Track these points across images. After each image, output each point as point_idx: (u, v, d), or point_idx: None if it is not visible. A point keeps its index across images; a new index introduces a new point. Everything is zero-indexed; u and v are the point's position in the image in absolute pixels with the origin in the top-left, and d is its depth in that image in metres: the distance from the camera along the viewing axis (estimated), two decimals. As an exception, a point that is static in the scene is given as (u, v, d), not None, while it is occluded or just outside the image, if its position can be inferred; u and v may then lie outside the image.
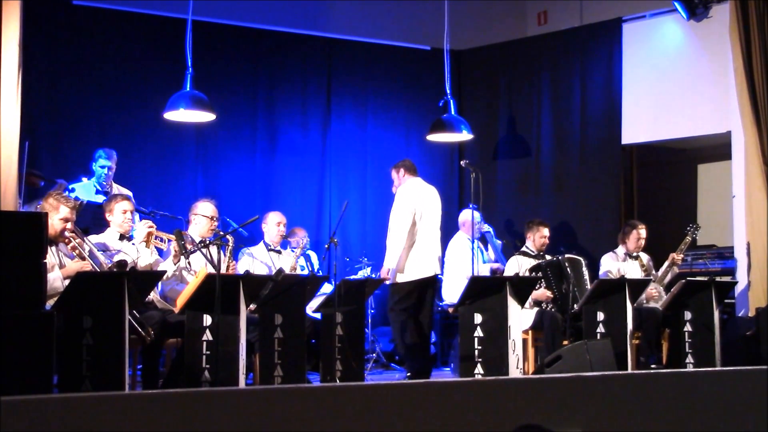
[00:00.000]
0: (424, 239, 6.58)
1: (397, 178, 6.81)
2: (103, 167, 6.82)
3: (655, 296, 6.83)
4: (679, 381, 3.12)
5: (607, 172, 8.80)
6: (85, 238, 5.10)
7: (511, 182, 9.44)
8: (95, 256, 4.98)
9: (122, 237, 5.46)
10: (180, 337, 5.15)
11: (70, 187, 6.79)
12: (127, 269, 4.83)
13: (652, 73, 8.55)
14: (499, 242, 8.17)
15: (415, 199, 6.61)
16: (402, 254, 6.51)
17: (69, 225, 4.95)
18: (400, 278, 6.53)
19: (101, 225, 5.77)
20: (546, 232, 7.01)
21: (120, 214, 5.49)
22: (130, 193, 6.92)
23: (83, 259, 4.90)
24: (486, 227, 8.02)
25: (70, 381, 4.24)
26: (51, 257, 4.80)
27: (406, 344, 6.55)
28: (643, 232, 7.06)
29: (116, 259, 4.96)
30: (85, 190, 6.77)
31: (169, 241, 5.56)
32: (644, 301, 6.80)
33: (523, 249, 7.07)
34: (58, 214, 4.88)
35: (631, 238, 7.04)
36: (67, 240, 4.91)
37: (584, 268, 6.85)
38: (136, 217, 6.45)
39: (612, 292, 6.19)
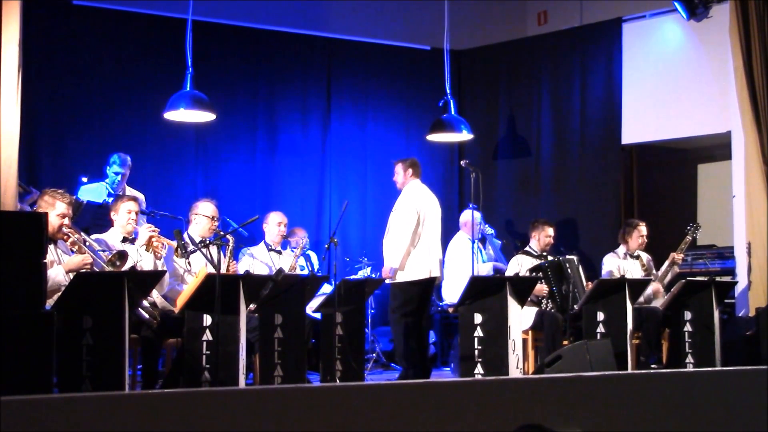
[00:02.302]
0: (426, 241, 6.56)
1: (402, 174, 6.73)
2: (116, 174, 6.86)
3: (660, 292, 6.85)
4: (679, 381, 3.12)
5: (607, 172, 8.80)
6: (83, 234, 5.10)
7: (511, 182, 9.44)
8: (95, 252, 4.98)
9: (125, 239, 5.46)
10: (180, 337, 5.15)
11: (81, 189, 6.80)
12: (128, 267, 4.84)
13: (652, 73, 8.55)
14: (498, 242, 8.17)
15: (420, 201, 6.59)
16: (405, 254, 6.49)
17: (66, 221, 4.94)
18: (401, 277, 6.51)
19: (102, 225, 5.77)
20: (551, 231, 7.00)
21: (125, 214, 5.48)
22: (142, 197, 6.93)
23: (83, 253, 4.89)
24: (489, 229, 8.02)
25: (70, 381, 4.24)
26: (50, 255, 4.80)
27: (406, 349, 6.51)
28: (643, 229, 7.06)
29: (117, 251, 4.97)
30: (96, 192, 6.78)
31: (170, 248, 5.55)
32: (651, 296, 6.81)
33: (526, 249, 7.06)
34: (54, 211, 4.87)
35: (633, 237, 7.03)
36: (65, 236, 4.91)
37: (578, 264, 6.85)
38: (143, 220, 6.45)
39: (612, 292, 6.19)
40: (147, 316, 5.16)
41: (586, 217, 8.87)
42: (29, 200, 6.01)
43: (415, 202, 6.56)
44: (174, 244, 5.39)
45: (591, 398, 2.83)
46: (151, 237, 5.41)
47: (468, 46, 9.58)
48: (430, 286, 6.68)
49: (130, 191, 6.86)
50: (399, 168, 6.77)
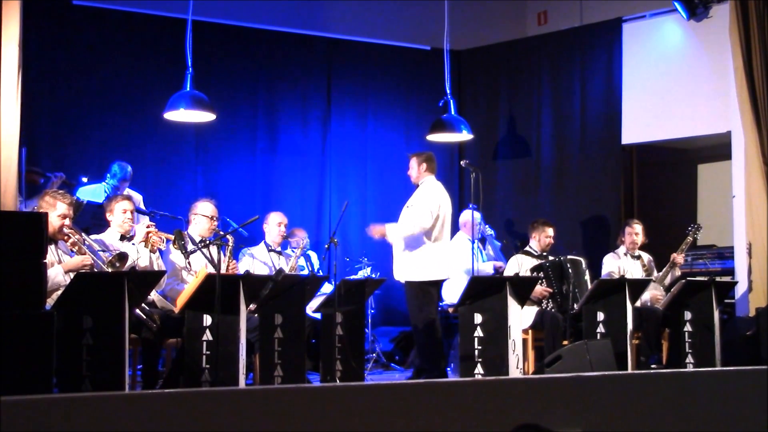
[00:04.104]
0: (444, 241, 6.42)
1: (416, 168, 6.50)
2: (115, 187, 6.86)
3: (660, 299, 6.82)
4: (679, 381, 3.12)
5: (607, 172, 8.80)
6: (83, 235, 5.10)
7: (511, 182, 9.44)
8: (95, 252, 4.99)
9: (123, 237, 5.46)
10: (180, 337, 5.15)
11: (79, 190, 6.80)
12: (127, 266, 4.84)
13: (652, 73, 8.55)
14: (498, 243, 8.15)
15: (438, 200, 6.39)
16: (421, 252, 6.32)
17: (67, 221, 4.95)
18: (424, 277, 6.30)
19: (101, 225, 5.77)
20: (551, 231, 7.00)
21: (120, 213, 5.48)
22: (139, 196, 6.92)
23: (83, 254, 4.90)
24: (488, 230, 8.01)
25: (70, 381, 4.24)
26: (50, 255, 4.81)
27: (435, 349, 6.33)
28: (637, 227, 7.04)
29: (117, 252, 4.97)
30: (95, 193, 6.78)
31: (168, 240, 5.55)
32: (648, 303, 6.79)
33: (526, 249, 7.06)
34: (55, 211, 4.88)
35: (626, 237, 7.05)
36: (66, 237, 4.92)
37: (585, 269, 6.84)
38: (145, 219, 6.45)
39: (612, 292, 6.19)
40: (146, 318, 5.11)
41: (586, 217, 8.87)
42: (52, 186, 6.01)
43: (434, 202, 6.33)
44: (172, 237, 5.39)
45: (591, 398, 2.83)
46: (148, 233, 5.41)
47: (468, 46, 9.57)
48: (441, 285, 6.59)
49: (128, 192, 6.87)
50: (413, 162, 6.52)
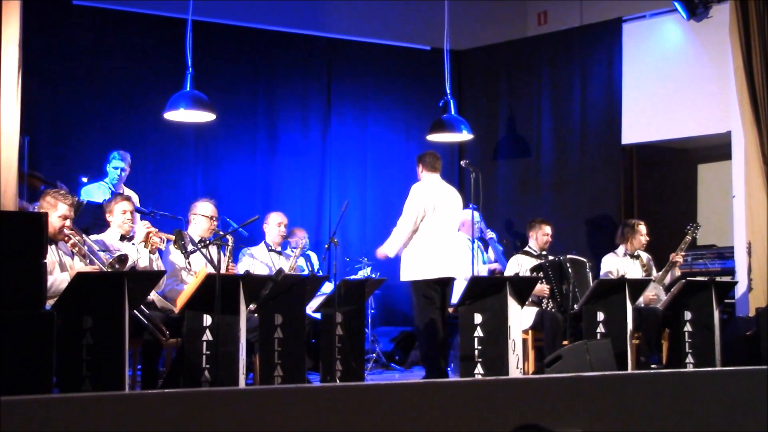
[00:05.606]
0: (441, 239, 6.36)
1: (418, 170, 6.59)
2: (116, 168, 6.84)
3: (654, 299, 6.81)
4: (679, 381, 3.12)
5: (607, 172, 8.80)
6: (83, 236, 5.10)
7: (511, 182, 9.44)
8: (95, 253, 4.98)
9: (123, 237, 5.46)
10: (180, 337, 5.15)
11: (83, 189, 6.79)
12: (127, 266, 4.84)
13: (652, 73, 8.56)
14: (501, 247, 8.13)
15: (426, 197, 6.37)
16: (415, 251, 6.32)
17: (68, 222, 4.94)
18: (419, 275, 6.29)
19: (101, 225, 5.76)
20: (548, 230, 7.00)
21: (120, 214, 5.48)
22: (136, 196, 6.92)
23: (83, 256, 4.90)
24: (490, 233, 8.00)
25: (70, 381, 4.23)
26: (51, 256, 4.80)
27: (435, 347, 6.26)
28: (643, 229, 7.06)
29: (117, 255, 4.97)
30: (98, 192, 6.78)
31: (168, 241, 5.55)
32: (641, 305, 6.79)
33: (525, 248, 7.06)
34: (56, 212, 4.87)
35: (636, 238, 7.02)
36: (66, 238, 4.91)
37: (588, 270, 6.82)
38: (139, 218, 6.44)
39: (612, 292, 6.19)
40: (155, 329, 5.07)
41: (586, 217, 8.87)
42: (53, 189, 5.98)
43: (416, 202, 6.35)
44: (172, 237, 5.38)
45: (591, 398, 2.83)
46: (148, 233, 5.40)
47: (468, 46, 9.58)
48: (447, 285, 6.43)
49: (124, 191, 6.86)
50: (417, 166, 6.64)
